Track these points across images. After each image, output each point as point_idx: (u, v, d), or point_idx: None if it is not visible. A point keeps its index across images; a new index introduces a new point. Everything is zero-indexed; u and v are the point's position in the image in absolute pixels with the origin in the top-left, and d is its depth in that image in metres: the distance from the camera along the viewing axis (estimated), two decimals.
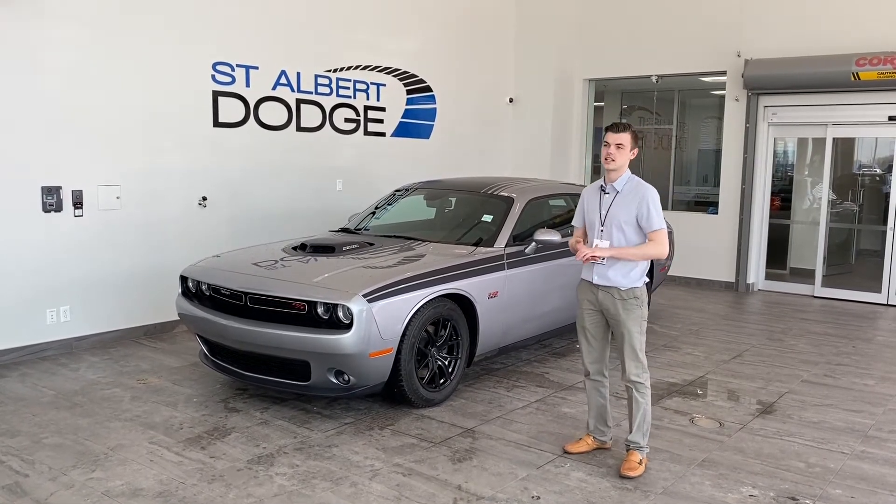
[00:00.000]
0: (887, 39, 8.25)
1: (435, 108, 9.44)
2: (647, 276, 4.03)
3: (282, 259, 5.27)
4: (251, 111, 7.30)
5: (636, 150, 3.97)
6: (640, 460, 3.96)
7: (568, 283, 6.03)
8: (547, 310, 5.87)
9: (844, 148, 9.61)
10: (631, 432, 4.00)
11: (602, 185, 4.04)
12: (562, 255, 5.90)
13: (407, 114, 9.05)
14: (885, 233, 8.75)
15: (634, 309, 3.93)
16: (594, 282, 3.99)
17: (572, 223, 4.34)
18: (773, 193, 9.79)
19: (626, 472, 3.90)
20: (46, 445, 4.20)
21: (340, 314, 4.43)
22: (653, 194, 3.92)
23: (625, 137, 3.89)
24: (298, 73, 7.69)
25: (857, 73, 8.25)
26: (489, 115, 10.39)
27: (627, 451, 4.02)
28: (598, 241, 3.96)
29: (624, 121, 4.51)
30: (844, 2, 8.60)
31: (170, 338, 6.63)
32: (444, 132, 9.57)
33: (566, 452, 4.17)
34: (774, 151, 9.73)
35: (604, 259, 3.91)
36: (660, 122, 11.84)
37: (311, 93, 7.85)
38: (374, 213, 6.57)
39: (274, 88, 7.48)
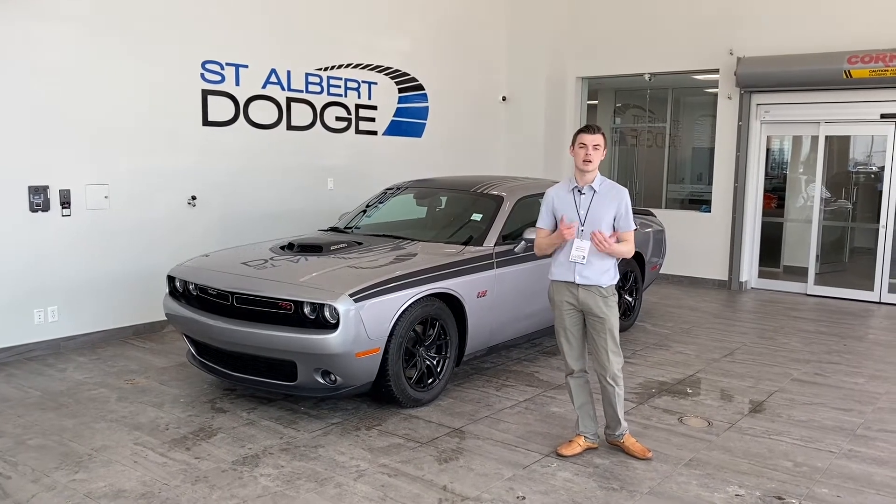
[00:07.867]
0: (879, 37, 8.24)
1: (427, 107, 9.41)
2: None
3: (269, 259, 5.24)
4: (241, 110, 7.26)
5: (605, 151, 4.08)
6: (636, 440, 4.23)
7: None
8: (537, 309, 5.84)
9: (839, 146, 9.59)
10: (621, 424, 4.17)
11: (576, 186, 4.06)
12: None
13: (399, 112, 9.02)
14: (878, 231, 8.74)
15: (613, 305, 4.10)
16: (576, 281, 4.04)
17: (537, 225, 4.21)
18: (766, 191, 9.78)
19: (646, 454, 4.12)
20: (30, 447, 4.17)
21: (327, 314, 4.40)
22: (627, 196, 4.09)
23: (600, 139, 4.00)
24: (289, 72, 7.66)
25: (849, 71, 8.23)
26: (482, 114, 10.36)
27: (621, 439, 4.19)
28: (579, 240, 3.99)
29: (594, 123, 4.60)
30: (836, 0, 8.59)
31: (159, 338, 6.60)
32: (436, 131, 9.54)
33: (560, 456, 4.14)
34: (768, 149, 9.71)
35: (583, 258, 3.99)
36: (653, 121, 11.84)
37: (301, 91, 7.82)
38: (364, 211, 6.54)
39: (264, 87, 7.45)
